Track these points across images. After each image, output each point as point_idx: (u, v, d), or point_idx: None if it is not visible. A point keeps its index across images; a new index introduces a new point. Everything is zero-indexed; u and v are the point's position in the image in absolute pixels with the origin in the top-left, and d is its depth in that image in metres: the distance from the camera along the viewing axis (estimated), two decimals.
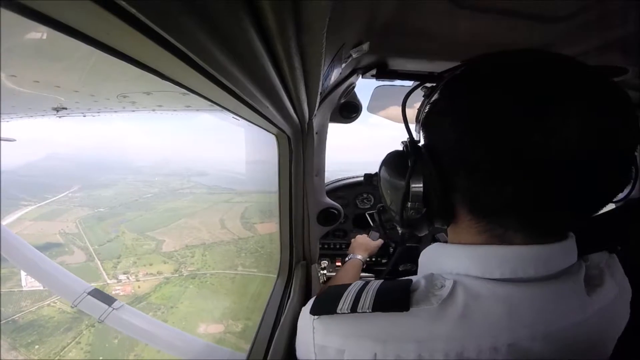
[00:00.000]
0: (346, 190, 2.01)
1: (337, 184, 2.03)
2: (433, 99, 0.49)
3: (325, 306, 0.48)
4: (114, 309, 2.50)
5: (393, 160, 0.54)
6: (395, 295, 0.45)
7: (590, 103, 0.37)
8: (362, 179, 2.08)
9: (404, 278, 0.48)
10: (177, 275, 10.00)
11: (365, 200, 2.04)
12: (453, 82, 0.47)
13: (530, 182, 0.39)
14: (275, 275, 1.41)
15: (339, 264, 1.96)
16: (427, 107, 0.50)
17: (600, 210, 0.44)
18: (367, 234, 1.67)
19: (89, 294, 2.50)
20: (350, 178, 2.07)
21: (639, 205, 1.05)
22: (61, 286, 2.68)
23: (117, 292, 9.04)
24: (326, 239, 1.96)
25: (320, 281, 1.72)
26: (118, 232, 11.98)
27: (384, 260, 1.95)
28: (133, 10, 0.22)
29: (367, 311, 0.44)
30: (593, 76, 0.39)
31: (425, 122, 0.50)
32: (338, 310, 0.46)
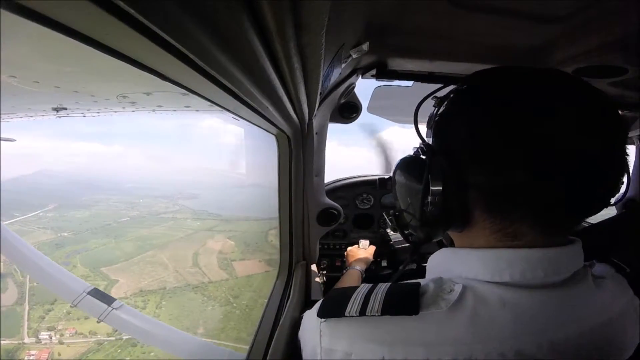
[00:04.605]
0: (346, 191, 2.01)
1: (337, 184, 2.03)
2: (443, 106, 0.53)
3: (333, 309, 0.49)
4: (113, 308, 2.50)
5: (408, 164, 0.57)
6: (405, 298, 0.45)
7: (580, 107, 0.43)
8: (361, 179, 2.10)
9: (411, 281, 0.49)
10: (114, 338, 6.82)
11: (365, 201, 2.04)
12: (463, 91, 0.52)
13: (536, 170, 0.42)
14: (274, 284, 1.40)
15: (338, 264, 1.96)
16: (438, 114, 0.53)
17: (599, 210, 0.46)
18: (358, 244, 1.67)
19: (88, 293, 2.50)
20: (350, 178, 2.07)
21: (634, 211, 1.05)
22: (61, 286, 2.69)
23: (30, 359, 6.55)
24: (326, 239, 1.96)
25: (320, 282, 1.72)
26: (69, 265, 9.22)
27: (383, 263, 1.95)
28: (132, 11, 0.22)
29: (376, 314, 0.44)
30: (583, 85, 0.45)
31: (437, 125, 0.53)
32: (346, 314, 0.46)
